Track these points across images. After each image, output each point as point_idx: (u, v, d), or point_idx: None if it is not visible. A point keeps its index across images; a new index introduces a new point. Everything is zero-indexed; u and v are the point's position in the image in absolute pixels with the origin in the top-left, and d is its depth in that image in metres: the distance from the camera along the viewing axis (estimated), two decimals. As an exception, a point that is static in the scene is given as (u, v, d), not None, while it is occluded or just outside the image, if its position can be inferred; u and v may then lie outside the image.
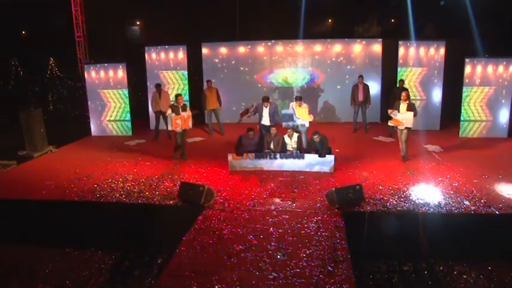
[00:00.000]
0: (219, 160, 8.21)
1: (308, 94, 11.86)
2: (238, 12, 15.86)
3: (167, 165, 8.29)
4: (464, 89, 10.03)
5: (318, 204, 6.17)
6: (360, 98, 10.47)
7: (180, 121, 8.15)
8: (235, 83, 12.28)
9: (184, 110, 8.29)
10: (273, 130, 8.01)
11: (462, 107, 10.07)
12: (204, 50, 12.35)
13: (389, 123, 8.31)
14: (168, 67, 11.65)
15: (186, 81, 11.61)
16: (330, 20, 17.66)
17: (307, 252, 4.85)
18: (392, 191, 6.58)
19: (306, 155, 7.71)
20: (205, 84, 11.11)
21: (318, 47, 12.04)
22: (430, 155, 8.73)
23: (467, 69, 9.97)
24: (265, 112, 8.61)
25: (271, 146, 7.95)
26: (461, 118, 10.11)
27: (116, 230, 6.20)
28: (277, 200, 6.39)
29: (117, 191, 6.82)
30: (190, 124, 8.43)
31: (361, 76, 10.58)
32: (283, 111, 8.42)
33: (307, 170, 7.69)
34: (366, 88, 10.54)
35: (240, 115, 9.13)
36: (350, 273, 4.41)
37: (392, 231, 5.66)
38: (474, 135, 10.14)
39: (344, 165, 7.91)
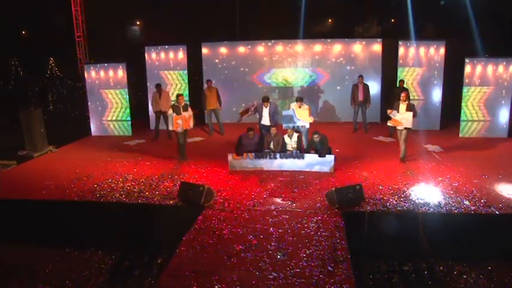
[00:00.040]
0: (219, 160, 8.21)
1: (308, 94, 11.88)
2: (238, 12, 15.85)
3: (167, 165, 8.29)
4: (464, 89, 10.04)
5: (318, 204, 6.17)
6: (360, 97, 10.47)
7: (181, 121, 8.14)
8: (235, 83, 12.28)
9: (185, 109, 8.28)
10: (273, 130, 8.01)
11: (462, 107, 10.07)
12: (204, 50, 12.35)
13: (389, 124, 8.28)
14: (168, 67, 11.66)
15: (186, 81, 11.62)
16: (330, 20, 17.64)
17: (307, 252, 4.85)
18: (392, 191, 6.58)
19: (306, 155, 7.71)
20: (205, 84, 11.11)
21: (318, 47, 12.04)
22: (430, 155, 8.73)
23: (467, 69, 9.97)
24: (265, 112, 8.61)
25: (271, 146, 7.95)
26: (461, 118, 10.11)
27: (116, 230, 6.19)
28: (277, 200, 6.38)
29: (117, 191, 6.82)
30: (191, 124, 8.43)
31: (361, 76, 10.58)
32: (284, 113, 8.39)
33: (307, 170, 7.69)
34: (366, 88, 10.54)
35: (240, 114, 9.11)
36: (350, 273, 4.40)
37: (392, 231, 5.65)
38: (474, 135, 10.14)
39: (344, 165, 7.91)
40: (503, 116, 10.04)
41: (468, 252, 5.60)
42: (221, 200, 6.39)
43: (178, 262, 4.74)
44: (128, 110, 11.25)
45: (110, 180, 7.38)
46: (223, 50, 12.32)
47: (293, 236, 5.25)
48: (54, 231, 6.37)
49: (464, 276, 5.32)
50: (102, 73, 11.25)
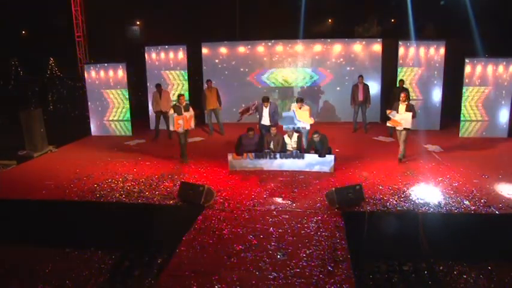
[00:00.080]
0: (219, 160, 8.21)
1: (308, 94, 11.88)
2: (238, 12, 15.86)
3: (167, 165, 8.29)
4: (464, 89, 10.04)
5: (318, 204, 6.17)
6: (360, 97, 10.46)
7: (182, 121, 8.12)
8: (235, 83, 12.28)
9: (186, 110, 8.26)
10: (273, 130, 8.01)
11: (462, 107, 10.07)
12: (204, 50, 12.35)
13: (388, 124, 8.24)
14: (168, 67, 11.66)
15: (186, 81, 11.62)
16: (330, 20, 17.66)
17: (307, 252, 4.85)
18: (392, 191, 6.58)
19: (306, 155, 7.71)
20: (205, 84, 11.11)
21: (318, 47, 12.04)
22: (430, 155, 8.73)
23: (467, 69, 9.97)
24: (265, 112, 8.61)
25: (271, 145, 7.95)
26: (461, 118, 10.11)
27: (116, 230, 6.19)
28: (277, 200, 6.39)
29: (117, 191, 6.82)
30: (192, 124, 8.42)
31: (361, 76, 10.58)
32: (284, 114, 8.37)
33: (307, 169, 7.69)
34: (366, 88, 10.53)
35: (240, 113, 9.10)
36: (350, 273, 4.41)
37: (392, 231, 5.66)
38: (474, 135, 10.14)
39: (344, 165, 7.91)
40: (503, 116, 10.04)
41: (468, 252, 5.60)
42: (221, 200, 6.39)
43: (178, 262, 4.74)
44: (128, 110, 11.24)
45: (110, 180, 7.38)
46: (223, 50, 12.32)
47: (293, 236, 5.26)
48: (54, 231, 6.37)
49: (464, 276, 5.32)
50: (102, 73, 11.25)
